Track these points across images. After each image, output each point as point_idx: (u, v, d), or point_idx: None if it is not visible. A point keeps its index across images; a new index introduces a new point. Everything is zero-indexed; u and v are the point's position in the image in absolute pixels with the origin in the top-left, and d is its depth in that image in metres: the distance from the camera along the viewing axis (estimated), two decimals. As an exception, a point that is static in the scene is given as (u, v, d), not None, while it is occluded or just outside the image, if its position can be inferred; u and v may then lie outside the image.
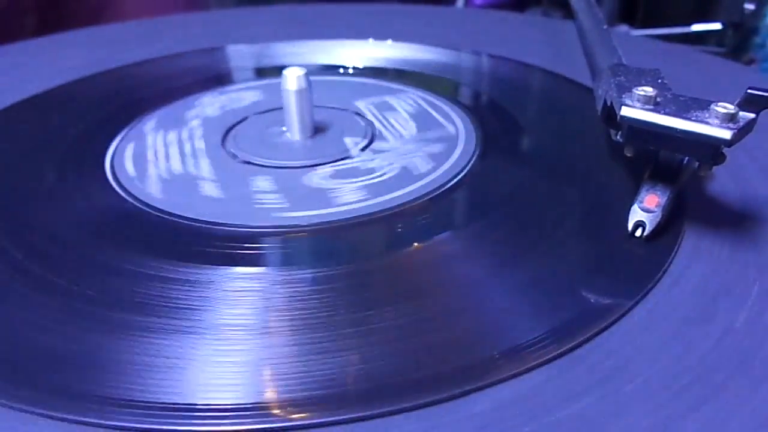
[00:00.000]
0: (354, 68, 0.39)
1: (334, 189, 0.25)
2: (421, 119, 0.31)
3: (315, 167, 0.27)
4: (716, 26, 0.58)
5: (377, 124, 0.31)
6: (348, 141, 0.29)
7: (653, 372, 0.17)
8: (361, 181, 0.26)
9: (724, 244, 0.21)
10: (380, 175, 0.26)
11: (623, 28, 0.62)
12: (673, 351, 0.17)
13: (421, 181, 0.25)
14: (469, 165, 0.27)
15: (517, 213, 0.23)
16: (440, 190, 0.25)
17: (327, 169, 0.27)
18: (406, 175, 0.26)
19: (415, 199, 0.24)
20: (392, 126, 0.30)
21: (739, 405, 0.16)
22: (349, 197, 0.24)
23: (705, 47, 0.58)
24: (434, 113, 0.32)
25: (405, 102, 0.33)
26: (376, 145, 0.29)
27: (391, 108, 0.32)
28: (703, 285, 0.20)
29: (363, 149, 0.28)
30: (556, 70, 0.37)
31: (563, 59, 0.38)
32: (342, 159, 0.27)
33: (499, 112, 0.32)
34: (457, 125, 0.30)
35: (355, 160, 0.27)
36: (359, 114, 0.32)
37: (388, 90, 0.35)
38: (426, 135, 0.29)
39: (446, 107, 0.32)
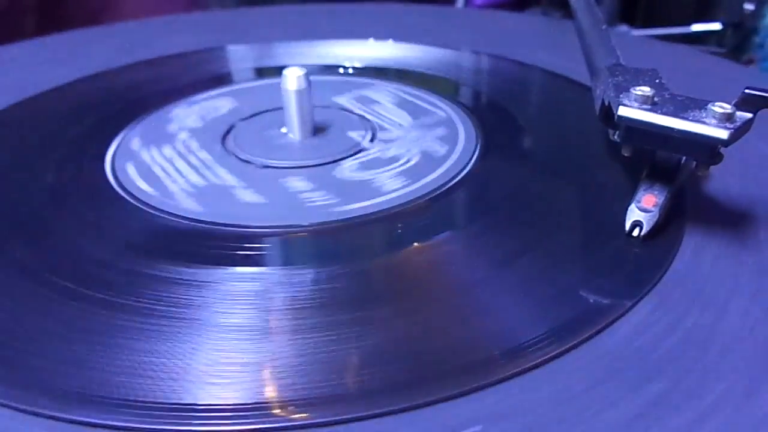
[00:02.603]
0: (354, 68, 0.39)
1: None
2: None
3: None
4: (716, 26, 0.58)
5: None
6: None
7: (653, 373, 0.17)
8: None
9: (724, 243, 0.22)
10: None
11: (623, 28, 0.62)
12: (674, 351, 0.17)
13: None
14: (469, 165, 0.27)
15: (517, 213, 0.23)
16: (440, 191, 0.25)
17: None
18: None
19: (414, 200, 0.24)
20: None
21: (740, 406, 0.16)
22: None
23: (705, 47, 0.58)
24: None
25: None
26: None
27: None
28: (704, 285, 0.20)
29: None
30: (556, 70, 0.37)
31: (563, 59, 0.38)
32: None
33: (499, 112, 0.32)
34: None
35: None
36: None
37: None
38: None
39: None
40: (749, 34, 0.56)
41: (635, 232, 0.21)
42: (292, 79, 0.28)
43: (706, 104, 0.20)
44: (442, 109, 0.32)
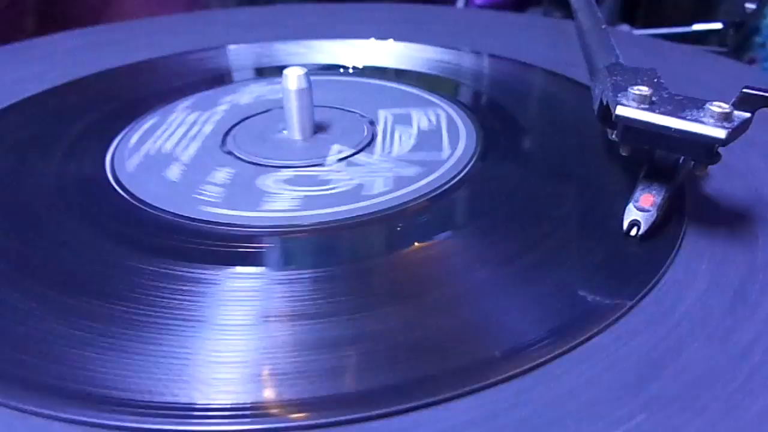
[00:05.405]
0: (354, 68, 0.39)
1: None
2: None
3: (339, 162, 0.27)
4: (717, 26, 0.58)
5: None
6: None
7: (653, 373, 0.17)
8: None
9: (725, 243, 0.22)
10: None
11: (624, 27, 0.62)
12: (673, 352, 0.17)
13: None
14: (469, 165, 0.27)
15: (517, 213, 0.23)
16: (440, 190, 0.25)
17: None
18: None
19: (415, 199, 0.24)
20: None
21: (739, 407, 0.16)
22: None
23: (706, 47, 0.58)
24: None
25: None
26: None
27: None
28: (704, 285, 0.20)
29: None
30: (557, 70, 0.37)
31: (563, 59, 0.38)
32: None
33: (500, 111, 0.32)
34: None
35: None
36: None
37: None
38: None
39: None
40: (750, 34, 0.56)
41: (633, 232, 0.21)
42: (293, 78, 0.28)
43: (704, 104, 0.20)
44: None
